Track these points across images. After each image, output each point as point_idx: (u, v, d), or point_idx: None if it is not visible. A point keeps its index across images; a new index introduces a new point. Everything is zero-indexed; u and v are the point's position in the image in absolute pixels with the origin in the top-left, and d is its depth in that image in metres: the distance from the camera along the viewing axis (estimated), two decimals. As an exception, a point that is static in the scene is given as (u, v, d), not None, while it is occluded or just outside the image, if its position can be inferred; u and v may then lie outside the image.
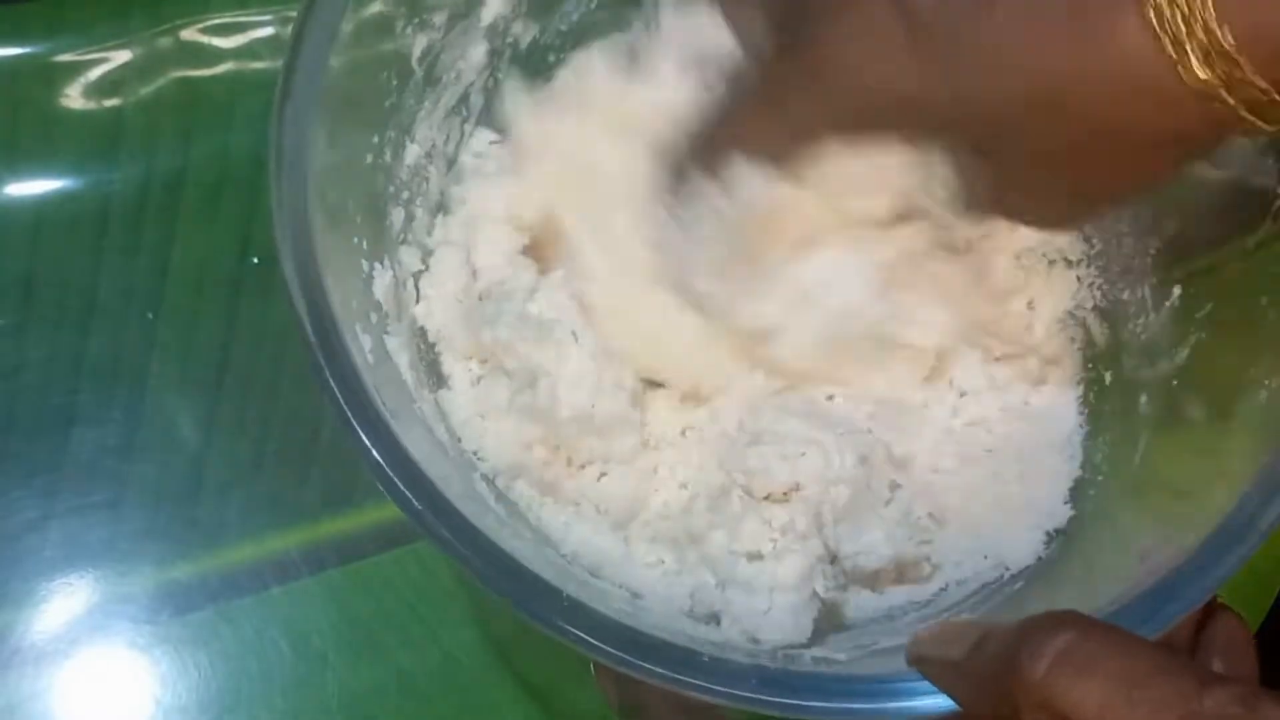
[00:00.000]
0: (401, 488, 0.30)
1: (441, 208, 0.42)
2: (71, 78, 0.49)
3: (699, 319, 0.38)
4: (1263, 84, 0.27)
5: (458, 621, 0.46)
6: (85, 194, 0.49)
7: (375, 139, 0.38)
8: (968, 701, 0.28)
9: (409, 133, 0.40)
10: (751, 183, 0.35)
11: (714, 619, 0.37)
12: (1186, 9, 0.26)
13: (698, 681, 0.29)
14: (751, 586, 0.36)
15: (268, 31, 0.51)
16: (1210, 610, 0.32)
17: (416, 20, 0.38)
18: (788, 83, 0.34)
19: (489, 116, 0.43)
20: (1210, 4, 0.26)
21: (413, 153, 0.40)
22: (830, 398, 0.40)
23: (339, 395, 0.31)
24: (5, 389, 0.47)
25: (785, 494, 0.36)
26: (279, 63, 0.50)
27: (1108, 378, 0.42)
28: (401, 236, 0.40)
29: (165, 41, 0.50)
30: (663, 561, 0.38)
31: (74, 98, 0.49)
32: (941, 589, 0.39)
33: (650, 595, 0.37)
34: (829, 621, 0.37)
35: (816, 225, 0.37)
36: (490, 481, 0.38)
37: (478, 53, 0.41)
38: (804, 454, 0.36)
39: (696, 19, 0.38)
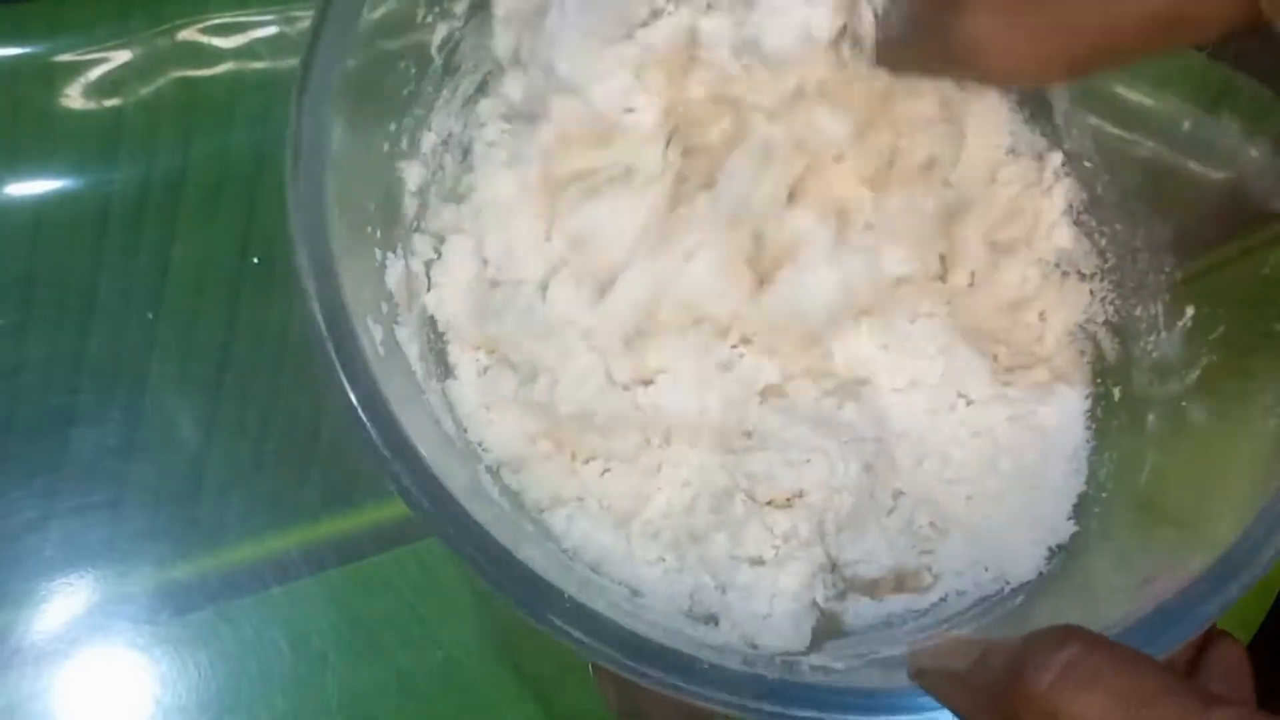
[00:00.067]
0: (407, 484, 0.30)
1: (455, 196, 0.42)
2: (71, 78, 0.49)
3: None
4: None
5: (458, 621, 0.46)
6: (85, 194, 0.49)
7: (392, 126, 0.38)
8: (969, 715, 0.28)
9: (426, 121, 0.40)
10: None
11: (712, 620, 0.37)
12: None
13: (697, 689, 0.29)
14: (752, 591, 0.36)
15: (268, 31, 0.51)
16: (1209, 635, 0.33)
17: (437, 9, 0.38)
18: None
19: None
20: None
21: (429, 141, 0.40)
22: (839, 404, 0.40)
23: (348, 388, 0.31)
24: (5, 389, 0.47)
25: (789, 500, 0.36)
26: (279, 63, 0.51)
27: (1116, 393, 0.41)
28: (415, 224, 0.40)
29: (165, 41, 0.50)
30: (663, 560, 0.38)
31: (74, 98, 0.49)
32: (941, 599, 0.39)
33: (650, 594, 0.37)
34: (827, 628, 0.37)
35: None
36: (494, 474, 0.38)
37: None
38: (809, 461, 0.36)
39: None
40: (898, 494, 0.38)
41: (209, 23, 0.51)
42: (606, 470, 0.39)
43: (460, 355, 0.40)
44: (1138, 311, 0.41)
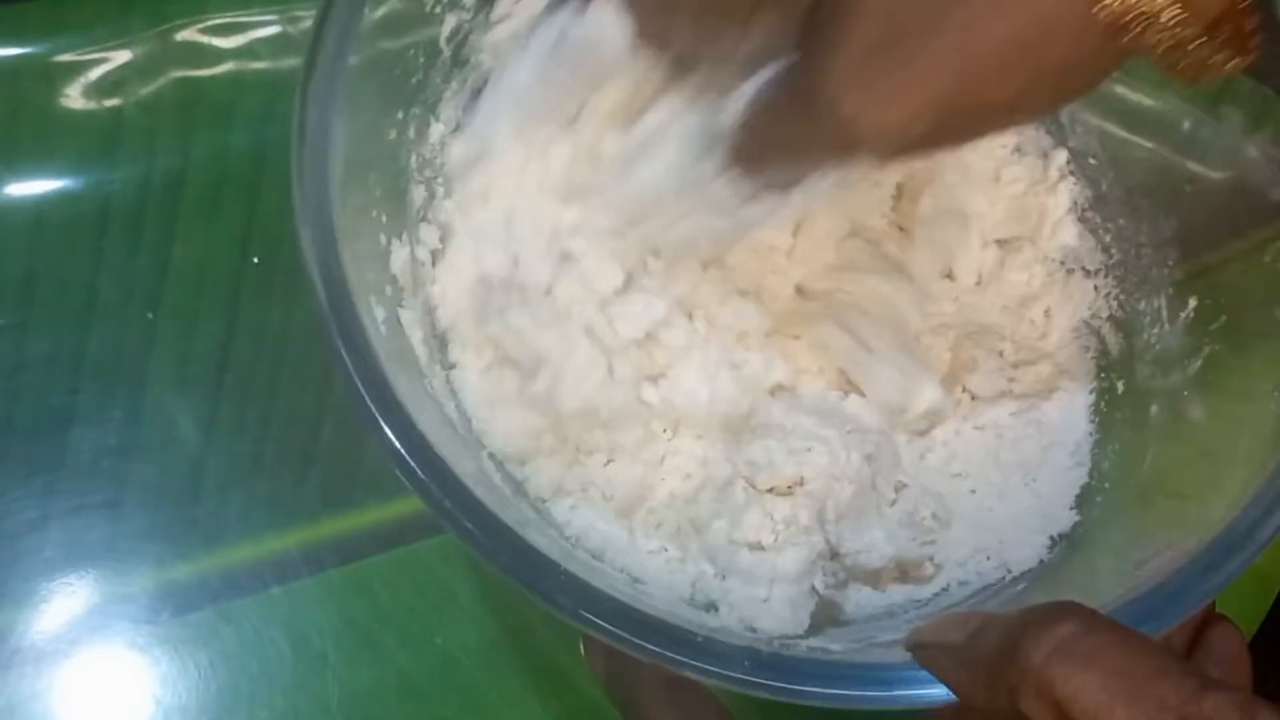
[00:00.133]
0: (407, 458, 0.30)
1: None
2: (71, 78, 0.49)
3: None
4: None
5: (458, 621, 0.46)
6: (85, 194, 0.49)
7: (400, 114, 0.38)
8: (964, 688, 0.28)
9: (434, 111, 0.40)
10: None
11: (713, 607, 0.37)
12: None
13: (691, 661, 0.29)
14: (751, 576, 0.36)
15: (268, 31, 0.51)
16: (1208, 619, 0.33)
17: (446, 0, 0.38)
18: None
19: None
20: None
21: (437, 131, 0.40)
22: (844, 396, 0.40)
23: (349, 364, 0.31)
24: (5, 389, 0.47)
25: (790, 488, 0.37)
26: (280, 63, 0.50)
27: (1120, 386, 0.42)
28: (422, 214, 0.40)
29: (165, 41, 0.50)
30: (666, 549, 0.38)
31: (74, 98, 0.49)
32: (943, 589, 0.39)
33: (652, 582, 0.37)
34: (827, 616, 0.37)
35: None
36: (497, 462, 0.38)
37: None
38: (810, 449, 0.36)
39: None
40: (900, 485, 0.39)
41: (209, 23, 0.51)
42: (610, 461, 0.39)
43: (462, 355, 0.40)
44: (1141, 306, 0.42)
